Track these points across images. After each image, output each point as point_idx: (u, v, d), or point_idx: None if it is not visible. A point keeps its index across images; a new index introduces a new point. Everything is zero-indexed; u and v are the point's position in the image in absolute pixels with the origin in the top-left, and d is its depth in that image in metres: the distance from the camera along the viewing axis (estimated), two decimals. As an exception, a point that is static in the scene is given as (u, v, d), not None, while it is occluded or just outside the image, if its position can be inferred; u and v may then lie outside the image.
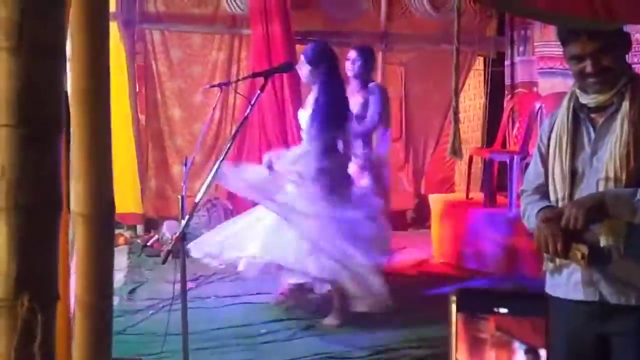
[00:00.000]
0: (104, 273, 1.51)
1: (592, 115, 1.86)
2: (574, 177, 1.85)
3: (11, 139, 1.22)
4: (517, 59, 6.13)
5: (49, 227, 1.28)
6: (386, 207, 4.83)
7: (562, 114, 1.90)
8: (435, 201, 5.58)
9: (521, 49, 6.07)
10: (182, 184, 3.84)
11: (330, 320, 3.81)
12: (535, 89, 5.75)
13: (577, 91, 1.88)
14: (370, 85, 4.59)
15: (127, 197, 5.62)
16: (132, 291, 4.49)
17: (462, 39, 5.20)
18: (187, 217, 2.76)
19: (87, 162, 1.52)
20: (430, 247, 5.47)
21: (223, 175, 3.50)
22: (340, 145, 3.80)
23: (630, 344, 1.81)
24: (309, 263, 3.58)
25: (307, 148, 3.69)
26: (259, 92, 2.94)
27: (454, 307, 0.73)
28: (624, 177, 1.76)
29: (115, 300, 4.14)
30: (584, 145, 1.86)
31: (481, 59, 6.55)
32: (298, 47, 5.36)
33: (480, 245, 4.87)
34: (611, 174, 1.77)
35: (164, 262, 2.77)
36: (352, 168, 4.14)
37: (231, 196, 5.71)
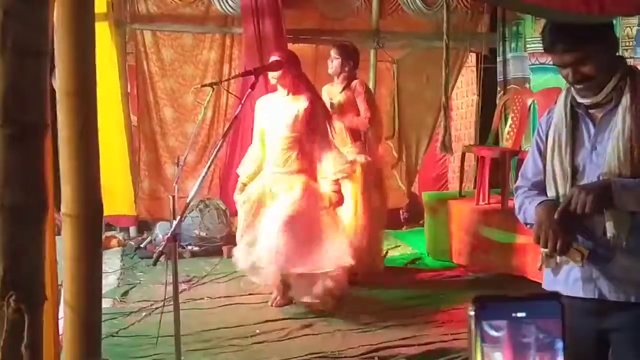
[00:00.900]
0: (93, 274, 1.50)
1: (591, 111, 1.85)
2: (574, 174, 1.83)
3: (-4, 139, 1.22)
4: (509, 55, 6.14)
5: (34, 228, 1.28)
6: (383, 205, 4.84)
7: (560, 111, 1.89)
8: (429, 198, 5.58)
9: (513, 45, 6.08)
10: (174, 185, 3.85)
11: None
12: (527, 85, 5.76)
13: (573, 89, 1.87)
14: (353, 83, 4.60)
15: (120, 199, 5.60)
16: (125, 293, 4.48)
17: (454, 36, 5.24)
18: (178, 218, 2.74)
19: (74, 163, 1.52)
20: (423, 245, 5.47)
21: None
22: None
23: (628, 340, 1.81)
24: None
25: None
26: (249, 90, 2.94)
27: (472, 315, 0.74)
28: (626, 171, 1.74)
29: (109, 303, 4.17)
30: (583, 141, 1.84)
31: (474, 55, 6.55)
32: (290, 45, 5.35)
33: (473, 242, 4.87)
34: (614, 170, 1.75)
35: (155, 264, 2.76)
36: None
37: (224, 196, 5.70)
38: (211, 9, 5.84)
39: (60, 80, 1.50)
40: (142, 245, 5.57)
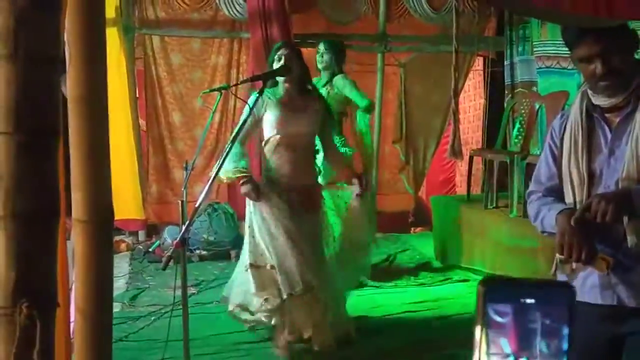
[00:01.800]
0: (103, 279, 1.51)
1: (607, 115, 1.82)
2: (591, 179, 1.80)
3: (8, 146, 1.22)
4: (516, 58, 6.13)
5: (46, 234, 1.29)
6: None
7: (575, 115, 1.86)
8: (437, 202, 5.57)
9: (520, 48, 6.07)
10: (183, 189, 3.86)
11: None
12: (534, 88, 5.74)
13: (589, 92, 1.85)
14: (334, 78, 4.58)
15: (128, 203, 5.62)
16: (133, 297, 4.49)
17: (461, 40, 5.21)
18: (187, 222, 2.75)
19: (85, 169, 1.52)
20: (431, 249, 5.46)
21: None
22: None
23: None
24: None
25: None
26: (257, 94, 2.94)
27: (481, 298, 0.74)
28: None
29: (117, 307, 4.18)
30: (600, 146, 1.81)
31: (481, 59, 6.55)
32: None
33: (482, 246, 4.86)
34: (633, 175, 1.73)
35: (164, 268, 2.76)
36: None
37: (232, 200, 5.71)
38: (219, 14, 5.87)
39: (71, 86, 1.51)
40: (150, 250, 5.59)
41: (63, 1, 1.37)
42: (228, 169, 3.29)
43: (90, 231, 1.51)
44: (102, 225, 1.52)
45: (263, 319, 3.48)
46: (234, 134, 3.11)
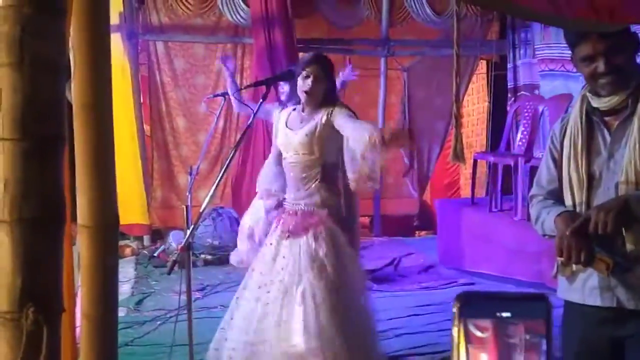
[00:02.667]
0: (109, 285, 1.51)
1: (606, 119, 1.84)
2: (590, 182, 1.81)
3: (14, 152, 1.23)
4: (519, 61, 6.13)
5: (52, 240, 1.29)
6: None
7: (575, 118, 1.87)
8: (441, 206, 5.57)
9: (522, 51, 6.07)
10: (187, 194, 3.87)
11: None
12: (537, 91, 5.75)
13: (589, 94, 1.86)
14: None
15: (133, 208, 5.64)
16: (139, 302, 4.50)
17: (464, 43, 5.17)
18: (192, 226, 2.76)
19: (91, 175, 1.53)
20: (435, 252, 5.46)
21: None
22: None
23: None
24: None
25: None
26: (261, 100, 2.95)
27: (456, 312, 0.73)
28: None
29: (123, 312, 4.18)
30: (599, 149, 1.83)
31: (484, 62, 6.55)
32: (300, 55, 5.38)
33: (486, 250, 4.85)
34: (632, 178, 1.74)
35: (169, 273, 2.77)
36: None
37: (236, 204, 5.72)
38: (222, 19, 5.89)
39: (76, 93, 1.52)
40: (155, 255, 5.60)
41: (68, 8, 1.38)
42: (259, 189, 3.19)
43: (95, 236, 1.52)
44: (108, 230, 1.53)
45: None
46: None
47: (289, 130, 3.01)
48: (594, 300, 1.81)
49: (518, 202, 4.67)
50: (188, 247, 2.73)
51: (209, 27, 6.00)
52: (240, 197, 5.58)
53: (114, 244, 1.56)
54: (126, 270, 5.21)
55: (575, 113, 1.90)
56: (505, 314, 0.73)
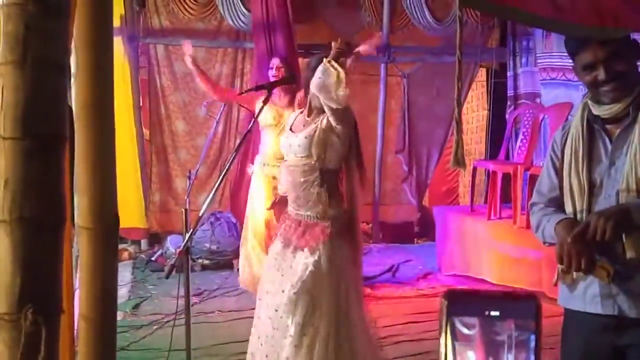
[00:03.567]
0: (108, 286, 1.50)
1: (608, 126, 1.84)
2: (592, 189, 1.81)
3: (15, 151, 1.22)
4: (519, 70, 6.14)
5: (52, 240, 1.28)
6: None
7: (576, 126, 1.88)
8: (440, 213, 5.56)
9: (523, 60, 6.08)
10: (186, 198, 3.86)
11: None
12: (538, 99, 5.75)
13: (590, 102, 1.87)
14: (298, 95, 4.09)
15: (131, 212, 5.62)
16: (136, 306, 4.48)
17: (464, 51, 5.13)
18: (190, 230, 2.74)
19: (91, 175, 1.52)
20: (434, 260, 5.45)
21: None
22: None
23: None
24: None
25: None
26: (262, 104, 2.94)
27: (444, 309, 0.72)
28: None
29: (119, 316, 4.16)
30: (600, 156, 1.83)
31: (484, 70, 6.56)
32: (301, 60, 5.38)
33: (485, 257, 4.84)
34: (632, 186, 1.74)
35: (167, 277, 2.75)
36: None
37: (235, 209, 5.71)
38: (223, 23, 5.90)
39: (78, 93, 1.51)
40: (152, 259, 5.58)
41: (72, 8, 1.37)
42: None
43: (95, 238, 1.50)
44: (108, 232, 1.52)
45: None
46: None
47: (291, 133, 2.98)
48: (595, 308, 1.81)
49: (517, 210, 4.66)
50: (187, 251, 2.71)
51: (210, 31, 6.00)
52: (239, 202, 5.56)
53: (114, 246, 1.55)
54: (123, 274, 5.18)
55: (576, 121, 1.90)
56: (494, 313, 0.71)
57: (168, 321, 3.91)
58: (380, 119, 6.34)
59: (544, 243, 1.93)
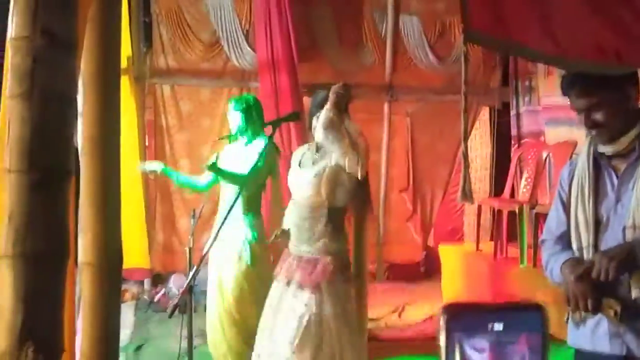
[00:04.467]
0: (111, 324, 1.47)
1: (614, 162, 1.84)
2: (598, 225, 1.81)
3: (20, 184, 1.21)
4: (522, 109, 6.17)
5: (55, 276, 1.26)
6: None
7: (583, 161, 1.88)
8: (445, 252, 5.51)
9: (526, 99, 6.11)
10: (190, 237, 3.82)
11: None
12: (541, 138, 5.76)
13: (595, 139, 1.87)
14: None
15: (134, 252, 5.57)
16: (138, 348, 4.40)
17: (467, 90, 5.13)
18: (194, 269, 2.71)
19: (96, 210, 1.51)
20: (441, 300, 5.36)
21: None
22: None
23: None
24: None
25: None
26: (268, 140, 2.94)
27: (443, 326, 0.66)
28: None
29: (121, 358, 4.08)
30: (607, 191, 1.82)
31: (487, 109, 6.60)
32: (305, 99, 5.42)
33: (492, 297, 4.77)
34: (638, 222, 1.73)
35: (170, 316, 2.70)
36: None
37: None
38: (229, 63, 5.96)
39: (85, 127, 1.51)
40: (155, 300, 5.51)
41: (80, 41, 1.38)
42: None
43: (98, 274, 1.48)
44: (111, 269, 1.50)
45: None
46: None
47: (300, 170, 2.98)
48: (604, 347, 1.79)
49: (524, 248, 4.61)
50: (190, 290, 2.67)
51: (216, 72, 6.06)
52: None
53: (117, 282, 1.53)
54: (125, 316, 5.11)
55: (583, 156, 1.90)
56: (497, 326, 0.67)
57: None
58: (383, 158, 6.34)
59: (554, 283, 1.91)
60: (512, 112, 6.29)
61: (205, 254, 2.81)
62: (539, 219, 4.52)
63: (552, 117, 5.54)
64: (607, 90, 1.80)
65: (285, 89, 5.36)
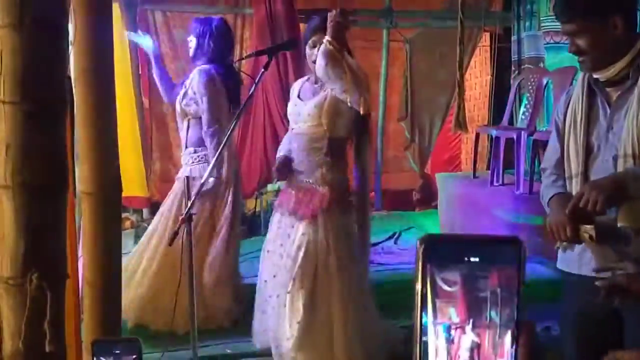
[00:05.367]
0: (112, 251, 1.50)
1: (608, 90, 1.82)
2: (589, 153, 1.82)
3: (15, 115, 1.21)
4: (523, 34, 6.05)
5: (55, 205, 1.27)
6: None
7: (578, 89, 1.87)
8: (442, 180, 5.55)
9: (527, 24, 5.99)
10: (185, 165, 3.84)
11: None
12: (541, 64, 5.68)
13: None
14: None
15: (132, 181, 5.61)
16: (140, 273, 4.49)
17: (468, 15, 5.03)
18: (192, 198, 2.74)
19: (93, 140, 1.51)
20: (436, 227, 5.45)
21: None
22: None
23: None
24: None
25: None
26: (262, 70, 2.90)
27: (421, 255, 0.67)
28: None
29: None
30: (599, 119, 1.81)
31: (487, 35, 6.47)
32: (302, 26, 5.31)
33: (487, 223, 4.85)
34: (629, 151, 1.73)
35: (170, 244, 2.76)
36: None
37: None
38: (222, -11, 5.80)
39: (77, 57, 1.49)
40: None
41: (68, -33, 1.34)
42: None
43: (98, 203, 1.50)
44: (110, 197, 1.51)
45: None
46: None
47: (299, 101, 2.96)
48: (589, 271, 1.82)
49: (520, 175, 4.64)
50: (189, 218, 2.71)
51: (209, -3, 5.91)
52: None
53: (117, 211, 1.55)
54: (126, 243, 5.19)
55: (578, 84, 1.89)
56: (474, 259, 0.67)
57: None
58: (382, 86, 6.28)
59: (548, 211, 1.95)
60: (513, 38, 6.18)
61: (203, 183, 2.83)
62: (537, 146, 4.52)
63: (553, 42, 5.45)
64: (590, 17, 1.76)
65: (281, 15, 5.24)
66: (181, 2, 5.85)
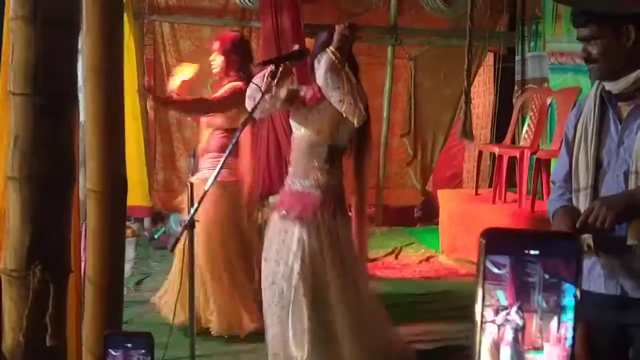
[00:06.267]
0: (115, 248, 1.49)
1: (620, 104, 1.81)
2: (598, 168, 1.80)
3: (25, 107, 1.21)
4: (527, 54, 6.09)
5: (61, 200, 1.27)
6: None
7: (589, 102, 1.86)
8: (444, 197, 5.54)
9: (532, 44, 6.02)
10: (190, 173, 3.84)
11: None
12: (545, 85, 5.70)
13: None
14: None
15: (135, 190, 5.60)
16: (139, 282, 4.49)
17: (473, 34, 4.97)
18: (195, 205, 2.73)
19: (100, 138, 1.51)
20: (437, 243, 5.44)
21: None
22: None
23: None
24: None
25: None
26: (269, 79, 2.91)
27: (482, 249, 0.70)
28: None
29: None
30: (611, 134, 1.80)
31: (491, 54, 6.51)
32: (307, 40, 5.33)
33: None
34: None
35: (172, 250, 2.75)
36: None
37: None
38: (230, 2, 5.85)
39: (87, 55, 1.50)
40: (155, 237, 5.58)
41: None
42: None
43: (104, 201, 1.49)
44: (116, 195, 1.51)
45: None
46: None
47: (303, 107, 2.99)
48: (599, 287, 1.81)
49: (522, 193, 4.64)
50: (192, 224, 2.70)
51: (216, 10, 5.96)
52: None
53: (122, 209, 1.54)
54: (127, 251, 5.17)
55: (590, 97, 1.88)
56: (533, 252, 0.69)
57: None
58: (386, 102, 6.30)
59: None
60: (517, 58, 6.21)
61: (206, 192, 2.83)
62: (539, 165, 4.53)
63: (557, 63, 5.47)
64: (605, 25, 1.76)
65: (287, 29, 5.27)
66: (189, 13, 5.90)
